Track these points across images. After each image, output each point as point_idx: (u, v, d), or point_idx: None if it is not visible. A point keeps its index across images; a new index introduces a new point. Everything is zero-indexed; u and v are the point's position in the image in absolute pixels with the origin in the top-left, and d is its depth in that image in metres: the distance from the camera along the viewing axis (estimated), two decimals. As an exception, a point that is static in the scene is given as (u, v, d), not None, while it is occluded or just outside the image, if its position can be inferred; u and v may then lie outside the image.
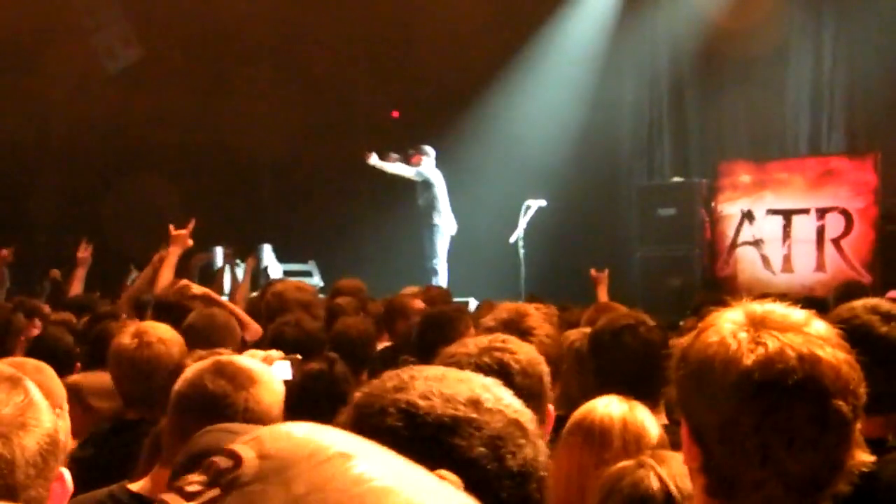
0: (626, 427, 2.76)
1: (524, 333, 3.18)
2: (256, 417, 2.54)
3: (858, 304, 3.03)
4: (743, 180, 13.53)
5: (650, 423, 2.83)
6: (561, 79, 15.47)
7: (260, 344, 4.55)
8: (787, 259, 13.18)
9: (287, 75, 15.89)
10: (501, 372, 2.34)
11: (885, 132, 14.00)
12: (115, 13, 14.81)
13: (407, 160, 13.76)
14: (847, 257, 12.75)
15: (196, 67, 15.35)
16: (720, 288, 12.98)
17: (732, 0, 14.69)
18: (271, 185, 16.40)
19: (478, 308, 7.95)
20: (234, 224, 14.81)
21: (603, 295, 7.99)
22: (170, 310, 5.33)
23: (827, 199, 12.99)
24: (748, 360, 1.73)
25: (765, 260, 13.28)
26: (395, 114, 16.54)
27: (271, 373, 2.92)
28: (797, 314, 1.80)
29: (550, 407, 2.51)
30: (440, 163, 14.06)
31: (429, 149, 13.85)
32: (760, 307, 1.82)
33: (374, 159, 13.54)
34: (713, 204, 13.61)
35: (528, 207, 12.80)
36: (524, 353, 2.47)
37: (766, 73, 14.86)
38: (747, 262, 13.30)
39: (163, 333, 3.97)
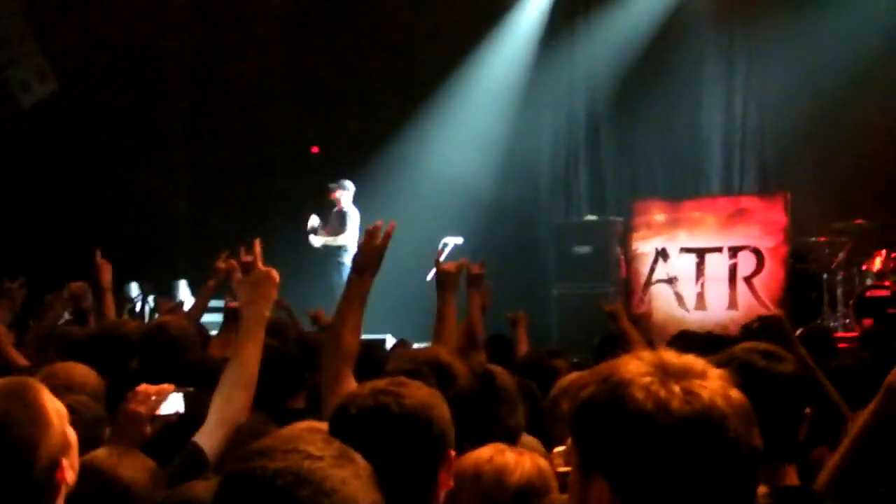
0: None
1: (444, 374, 3.17)
2: None
3: (738, 347, 3.02)
4: (657, 219, 13.69)
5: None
6: (478, 116, 15.56)
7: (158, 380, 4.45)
8: (700, 297, 13.35)
9: (205, 109, 15.78)
10: (380, 414, 2.38)
11: (794, 172, 14.31)
12: (30, 48, 14.61)
13: (327, 196, 13.69)
14: (758, 295, 12.94)
15: (111, 102, 15.18)
16: (621, 339, 13.09)
17: (647, 39, 14.94)
18: (187, 220, 16.23)
19: (393, 347, 7.94)
20: (150, 259, 14.63)
21: (522, 336, 7.94)
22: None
23: (739, 237, 13.19)
24: (653, 407, 1.74)
25: (679, 298, 13.43)
26: (315, 149, 16.49)
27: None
28: (699, 362, 1.80)
29: (452, 453, 2.50)
30: (358, 198, 14.04)
31: (347, 183, 13.81)
32: (667, 354, 1.82)
33: (314, 241, 13.48)
34: (628, 242, 13.75)
35: (445, 245, 12.82)
36: (415, 397, 2.46)
37: (680, 112, 15.11)
38: (662, 299, 13.45)
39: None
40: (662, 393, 1.73)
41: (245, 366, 3.41)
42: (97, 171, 15.02)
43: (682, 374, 1.76)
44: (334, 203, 13.90)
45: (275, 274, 3.59)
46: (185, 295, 13.81)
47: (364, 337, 9.24)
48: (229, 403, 3.36)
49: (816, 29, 14.06)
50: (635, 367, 1.78)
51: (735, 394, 1.76)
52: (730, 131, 14.90)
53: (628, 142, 15.45)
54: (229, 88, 15.54)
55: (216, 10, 15.43)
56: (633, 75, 15.14)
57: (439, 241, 12.89)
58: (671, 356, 1.81)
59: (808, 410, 2.89)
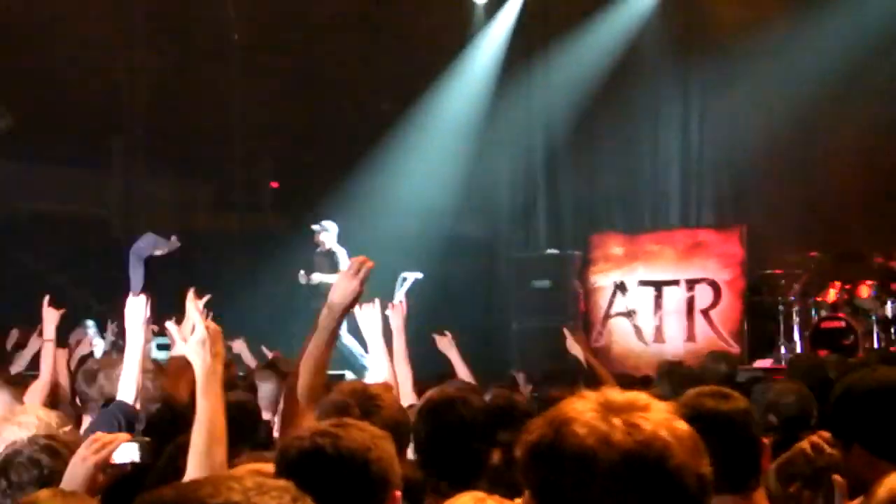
0: None
1: (367, 404, 3.19)
2: None
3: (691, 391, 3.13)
4: (615, 252, 13.77)
5: None
6: (437, 150, 15.60)
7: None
8: (658, 330, 13.42)
9: (161, 143, 15.72)
10: (317, 457, 2.42)
11: (750, 205, 14.45)
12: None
13: (311, 239, 13.56)
14: (716, 327, 13.03)
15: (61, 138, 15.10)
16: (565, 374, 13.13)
17: (604, 74, 15.08)
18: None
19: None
20: (105, 297, 14.52)
21: (457, 359, 7.73)
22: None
23: (696, 270, 13.29)
24: (597, 443, 1.74)
25: (637, 331, 13.49)
26: (275, 184, 16.49)
27: None
28: (644, 398, 1.82)
29: (397, 493, 2.50)
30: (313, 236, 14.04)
31: (328, 224, 13.54)
32: (614, 391, 1.83)
33: (315, 277, 13.31)
34: (587, 275, 13.81)
35: (405, 279, 12.82)
36: (353, 439, 2.47)
37: (637, 146, 15.24)
38: (620, 333, 13.51)
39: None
40: (604, 427, 1.74)
41: (212, 421, 3.38)
42: (39, 204, 14.94)
43: (625, 409, 1.78)
44: (318, 245, 13.69)
45: (217, 329, 3.47)
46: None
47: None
48: (209, 458, 3.32)
49: (770, 63, 14.25)
50: (580, 405, 1.80)
51: (680, 424, 1.77)
52: (686, 164, 15.04)
53: (586, 175, 15.55)
54: (186, 122, 15.49)
55: (172, 44, 15.41)
56: (591, 109, 15.26)
57: (398, 275, 12.88)
58: (615, 393, 1.82)
59: (766, 440, 2.98)
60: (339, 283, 3.67)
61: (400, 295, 12.65)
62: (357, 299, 3.69)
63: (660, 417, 1.76)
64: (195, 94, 15.43)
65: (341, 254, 13.30)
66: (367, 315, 5.45)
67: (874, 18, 13.76)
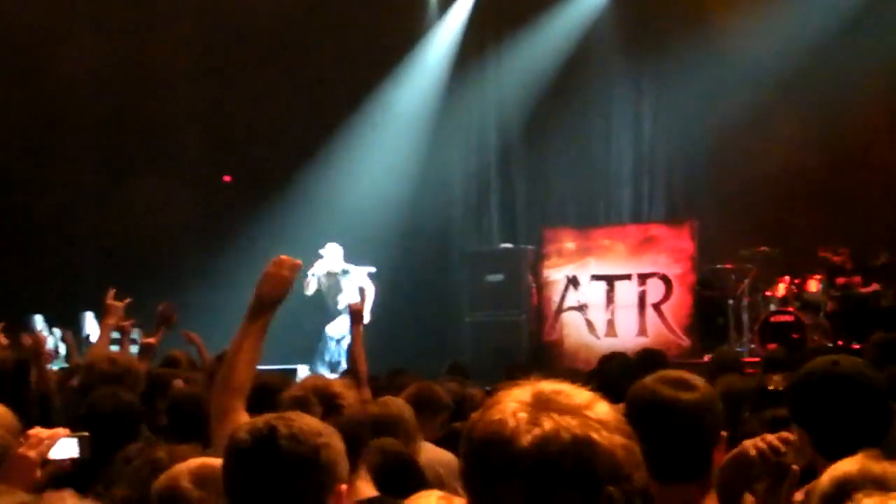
0: None
1: (330, 402, 3.19)
2: None
3: (648, 378, 3.09)
4: (568, 247, 13.83)
5: None
6: (390, 145, 15.60)
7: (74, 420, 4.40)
8: (610, 324, 13.49)
9: (115, 138, 15.59)
10: (269, 442, 2.44)
11: (701, 200, 14.57)
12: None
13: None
14: (667, 321, 13.13)
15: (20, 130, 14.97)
16: (545, 354, 13.25)
17: (557, 69, 15.14)
18: (94, 252, 15.99)
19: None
20: (55, 291, 14.41)
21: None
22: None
23: (647, 265, 13.38)
24: (523, 440, 1.71)
25: (589, 324, 13.56)
26: (227, 178, 16.39)
27: None
28: (582, 395, 1.79)
29: (343, 487, 2.51)
30: (266, 230, 13.99)
31: (330, 246, 13.42)
32: (549, 386, 1.79)
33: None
34: (539, 270, 13.86)
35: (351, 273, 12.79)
36: (305, 424, 2.50)
37: (590, 141, 15.32)
38: (573, 326, 13.57)
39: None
40: (521, 414, 1.73)
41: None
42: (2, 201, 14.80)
43: (550, 402, 1.75)
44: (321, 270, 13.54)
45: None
46: (91, 327, 13.60)
47: (276, 367, 9.24)
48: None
49: (721, 58, 14.37)
50: (506, 397, 1.78)
51: (607, 416, 1.75)
52: (638, 160, 15.15)
53: (539, 170, 15.62)
54: (139, 115, 15.38)
55: (124, 39, 15.28)
56: (543, 104, 15.33)
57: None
58: (547, 385, 1.79)
59: (724, 433, 2.98)
60: (270, 277, 3.67)
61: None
62: (287, 292, 3.69)
63: (575, 423, 1.72)
64: (150, 85, 15.33)
65: (353, 271, 13.24)
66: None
67: (821, 14, 13.92)
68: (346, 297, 12.83)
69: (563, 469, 1.70)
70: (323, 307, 13.27)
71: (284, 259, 3.69)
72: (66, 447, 3.34)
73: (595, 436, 1.72)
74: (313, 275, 12.97)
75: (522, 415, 1.73)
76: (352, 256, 13.50)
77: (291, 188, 15.45)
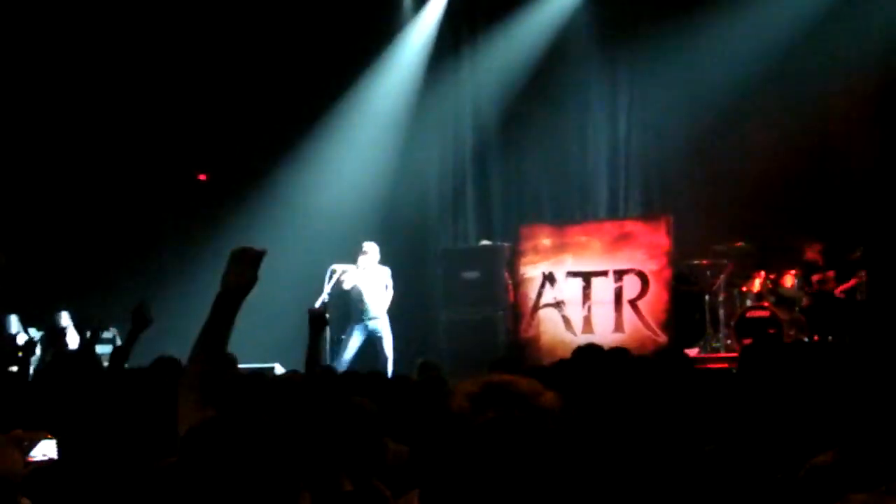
0: None
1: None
2: None
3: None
4: (544, 243, 13.81)
5: None
6: (366, 143, 15.58)
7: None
8: (587, 320, 13.48)
9: (87, 134, 15.49)
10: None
11: (676, 196, 14.61)
12: None
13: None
14: (644, 318, 13.14)
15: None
16: (523, 350, 13.24)
17: (532, 65, 15.15)
18: (69, 249, 15.89)
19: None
20: (29, 288, 14.32)
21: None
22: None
23: (624, 261, 13.37)
24: (475, 425, 1.81)
25: (566, 321, 13.55)
26: (203, 177, 16.32)
27: None
28: (528, 384, 1.88)
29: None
30: (242, 227, 13.92)
31: (367, 246, 13.30)
32: (498, 378, 1.89)
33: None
34: (516, 267, 13.86)
35: (334, 272, 12.74)
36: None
37: (566, 137, 15.33)
38: (549, 323, 13.56)
39: None
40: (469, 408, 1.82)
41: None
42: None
43: (500, 391, 1.84)
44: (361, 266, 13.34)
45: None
46: (67, 324, 13.52)
47: (253, 366, 9.20)
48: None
49: (697, 54, 14.41)
50: (462, 386, 1.89)
51: (545, 399, 1.84)
52: (614, 156, 15.17)
53: (515, 167, 15.62)
54: (111, 111, 15.28)
55: (100, 31, 15.17)
56: (519, 101, 15.34)
57: (327, 268, 12.82)
58: (496, 377, 1.90)
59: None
60: (236, 269, 3.62)
61: (329, 287, 12.62)
62: (254, 284, 3.65)
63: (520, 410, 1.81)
64: (124, 80, 15.24)
65: (384, 272, 13.07)
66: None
67: (795, 9, 13.98)
68: (376, 297, 12.85)
69: (511, 453, 1.77)
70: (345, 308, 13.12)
71: (249, 249, 3.65)
72: (45, 448, 3.34)
73: (541, 423, 1.81)
74: (344, 272, 12.90)
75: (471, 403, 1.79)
76: (328, 254, 13.44)
77: (267, 186, 15.40)
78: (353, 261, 12.86)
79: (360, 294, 12.85)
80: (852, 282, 12.50)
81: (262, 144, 15.53)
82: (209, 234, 14.68)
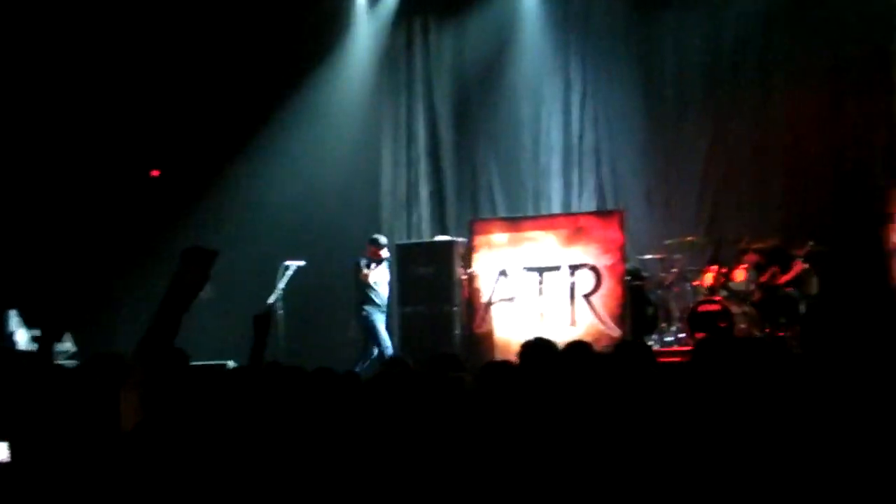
0: None
1: None
2: None
3: None
4: (498, 238, 13.82)
5: None
6: (319, 138, 15.52)
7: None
8: (541, 315, 13.51)
9: (38, 128, 15.32)
10: None
11: (629, 191, 14.69)
12: None
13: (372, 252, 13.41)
14: (597, 312, 13.18)
15: None
16: (476, 346, 13.25)
17: (486, 60, 15.17)
18: (21, 247, 15.71)
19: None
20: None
21: None
22: None
23: (577, 256, 13.40)
24: None
25: (520, 316, 13.57)
26: (155, 173, 16.20)
27: None
28: None
29: None
30: (195, 224, 13.83)
31: (378, 239, 13.59)
32: None
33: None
34: (470, 262, 13.85)
35: (287, 268, 12.71)
36: None
37: (520, 132, 15.36)
38: (503, 318, 13.57)
39: None
40: None
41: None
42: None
43: None
44: (375, 258, 13.45)
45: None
46: (15, 325, 13.37)
47: (206, 362, 9.13)
48: None
49: (650, 49, 14.51)
50: None
51: None
52: (568, 150, 15.22)
53: (468, 162, 15.63)
54: (62, 108, 15.13)
55: (50, 26, 15.00)
56: (472, 95, 15.37)
57: (281, 264, 12.78)
58: None
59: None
60: (186, 269, 3.60)
61: (282, 283, 12.59)
62: (204, 284, 3.63)
63: None
64: (77, 75, 15.09)
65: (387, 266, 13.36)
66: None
67: (748, 4, 14.10)
68: (387, 289, 13.35)
69: None
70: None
71: (200, 249, 3.62)
72: None
73: None
74: (377, 264, 13.20)
75: None
76: (281, 251, 13.40)
77: (220, 181, 15.32)
78: (369, 253, 13.29)
79: (378, 287, 13.32)
80: (793, 272, 12.62)
81: (215, 140, 15.43)
82: (162, 230, 14.59)
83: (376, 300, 13.24)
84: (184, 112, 15.34)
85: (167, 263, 14.31)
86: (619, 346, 5.22)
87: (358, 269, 13.27)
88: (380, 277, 13.32)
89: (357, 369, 11.89)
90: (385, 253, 13.34)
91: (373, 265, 13.26)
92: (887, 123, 13.40)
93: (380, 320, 13.23)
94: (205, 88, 15.30)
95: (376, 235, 13.77)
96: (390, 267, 13.55)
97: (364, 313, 13.19)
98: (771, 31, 14.02)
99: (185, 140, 15.58)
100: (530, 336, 6.14)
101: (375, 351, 13.05)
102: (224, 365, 10.24)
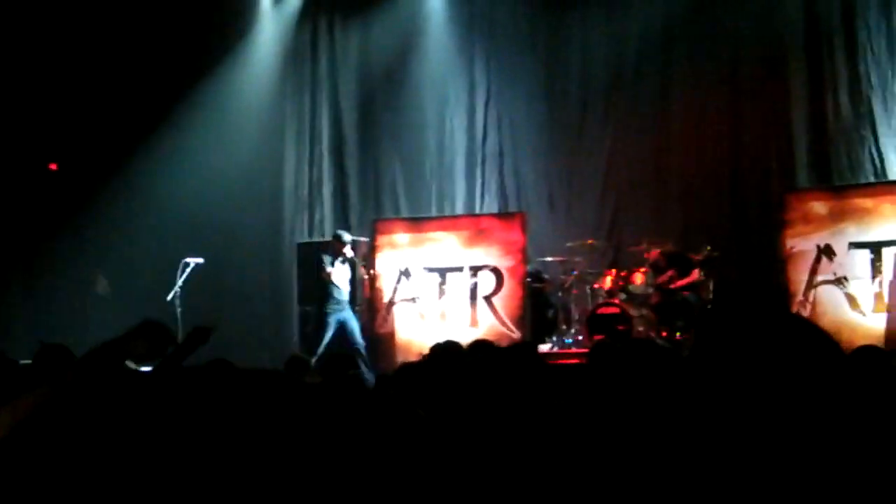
0: None
1: None
2: None
3: None
4: (400, 238, 13.83)
5: None
6: (222, 135, 15.36)
7: None
8: (443, 315, 13.55)
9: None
10: None
11: (531, 193, 14.80)
12: None
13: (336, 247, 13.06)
14: (498, 314, 13.25)
15: None
16: (377, 346, 13.23)
17: (391, 60, 15.16)
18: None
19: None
20: None
21: None
22: None
23: (479, 257, 13.47)
24: None
25: (422, 317, 13.59)
26: (53, 166, 15.88)
27: None
28: None
29: None
30: (94, 219, 13.60)
31: (346, 236, 13.25)
32: None
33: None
34: (372, 261, 13.84)
35: (187, 265, 12.55)
36: None
37: (424, 133, 15.38)
38: (405, 319, 13.58)
39: None
40: None
41: None
42: None
43: None
44: (339, 255, 13.11)
45: None
46: None
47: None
48: None
49: (553, 51, 14.63)
50: None
51: None
52: (471, 152, 15.28)
53: (372, 161, 15.60)
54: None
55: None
56: (377, 95, 15.34)
57: (180, 261, 12.63)
58: None
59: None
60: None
61: (181, 280, 12.43)
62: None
63: None
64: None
65: (354, 263, 13.04)
66: None
67: (651, 10, 14.29)
68: (347, 286, 12.97)
69: None
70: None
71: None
72: None
73: None
74: (342, 261, 12.79)
75: None
76: (181, 248, 13.23)
77: (121, 176, 15.07)
78: (332, 250, 12.97)
79: (338, 282, 12.93)
80: (690, 277, 12.83)
81: (116, 134, 15.18)
82: (60, 224, 14.33)
83: (337, 297, 12.88)
84: (83, 105, 15.06)
85: (64, 258, 14.06)
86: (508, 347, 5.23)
87: (321, 266, 12.95)
88: (341, 275, 13.01)
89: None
90: (348, 251, 13.01)
91: (337, 262, 12.95)
92: (783, 131, 13.69)
93: (335, 320, 12.85)
94: (106, 82, 15.05)
95: (340, 231, 13.44)
96: (353, 264, 13.17)
97: (324, 310, 12.87)
98: (672, 39, 14.23)
99: (84, 133, 15.28)
100: (433, 337, 6.16)
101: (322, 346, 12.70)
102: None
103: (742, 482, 2.16)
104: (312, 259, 13.94)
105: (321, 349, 12.54)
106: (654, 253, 13.07)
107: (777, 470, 2.20)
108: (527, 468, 3.21)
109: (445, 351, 6.29)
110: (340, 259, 12.98)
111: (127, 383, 4.39)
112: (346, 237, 13.13)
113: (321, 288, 12.94)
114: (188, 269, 12.54)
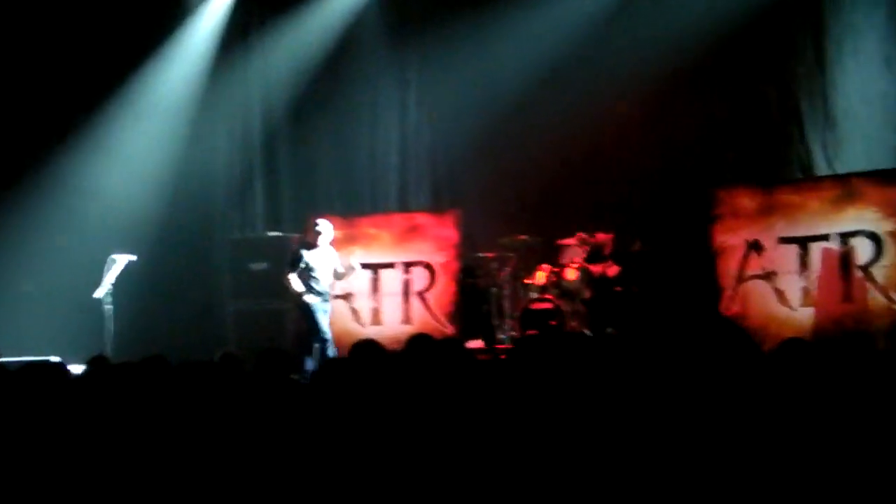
0: None
1: None
2: None
3: None
4: (333, 235, 13.78)
5: None
6: (151, 130, 15.20)
7: None
8: (376, 312, 13.55)
9: None
10: None
11: (464, 189, 14.83)
12: None
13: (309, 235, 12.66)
14: (431, 309, 13.28)
15: None
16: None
17: (323, 55, 15.11)
18: None
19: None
20: None
21: None
22: None
23: (412, 253, 13.49)
24: None
25: (354, 313, 13.58)
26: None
27: None
28: None
29: None
30: (17, 214, 13.41)
31: (321, 226, 12.72)
32: None
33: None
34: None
35: (114, 261, 12.30)
36: None
37: (356, 128, 15.35)
38: (338, 315, 13.52)
39: None
40: None
41: None
42: None
43: None
44: (311, 245, 12.60)
45: None
46: None
47: (27, 359, 8.86)
48: None
49: (485, 50, 14.65)
50: None
51: None
52: (404, 148, 15.27)
53: (305, 157, 15.53)
54: None
55: None
56: (309, 91, 15.26)
57: (108, 256, 12.41)
58: None
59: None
60: None
61: (110, 278, 12.22)
62: None
63: None
64: None
65: (333, 253, 12.56)
66: None
67: (584, 5, 14.36)
68: (330, 276, 12.47)
69: None
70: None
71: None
72: None
73: None
74: (307, 251, 12.44)
75: None
76: (109, 245, 13.05)
77: (45, 172, 14.84)
78: (308, 241, 12.59)
79: (317, 273, 12.45)
80: (621, 270, 12.95)
81: (42, 127, 14.94)
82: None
83: (316, 288, 12.53)
84: (4, 97, 14.79)
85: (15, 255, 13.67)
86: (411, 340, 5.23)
87: (297, 259, 12.66)
88: (322, 265, 12.67)
89: (308, 368, 11.55)
90: (321, 241, 12.56)
91: (314, 253, 12.53)
92: (713, 127, 13.83)
93: (320, 310, 12.52)
94: (32, 74, 14.81)
95: (317, 220, 12.80)
96: (328, 253, 12.76)
97: (305, 304, 12.49)
98: (602, 35, 14.30)
99: (5, 127, 15.01)
100: (365, 332, 6.15)
101: (318, 345, 12.38)
102: (47, 361, 9.93)
103: (655, 468, 2.18)
104: (241, 256, 13.85)
105: (327, 335, 12.26)
106: (584, 254, 13.13)
107: (683, 456, 2.23)
108: (448, 460, 3.20)
109: (368, 348, 6.26)
110: (317, 250, 12.56)
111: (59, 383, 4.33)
112: (319, 227, 12.63)
113: (301, 281, 12.54)
114: (117, 266, 12.30)
